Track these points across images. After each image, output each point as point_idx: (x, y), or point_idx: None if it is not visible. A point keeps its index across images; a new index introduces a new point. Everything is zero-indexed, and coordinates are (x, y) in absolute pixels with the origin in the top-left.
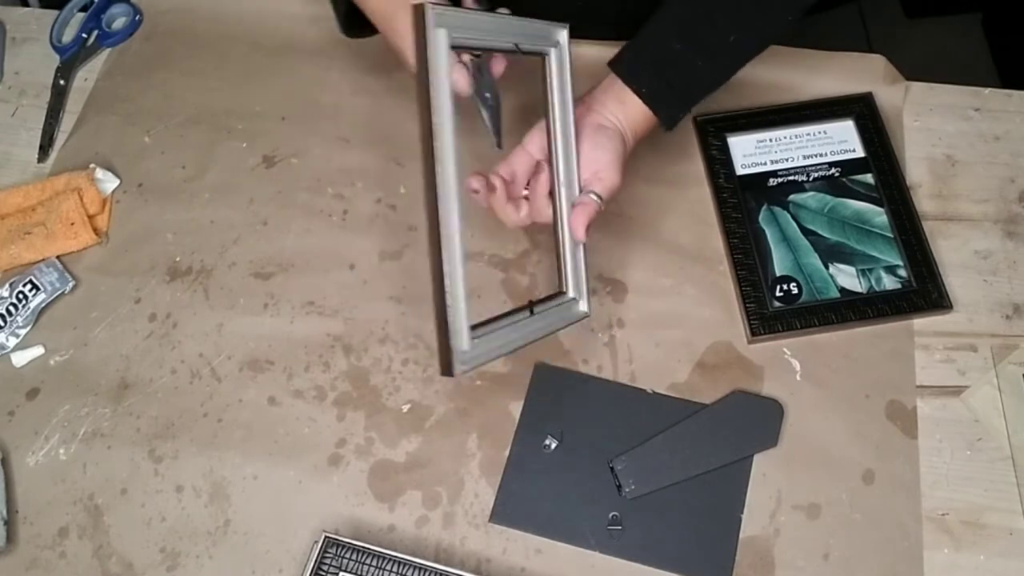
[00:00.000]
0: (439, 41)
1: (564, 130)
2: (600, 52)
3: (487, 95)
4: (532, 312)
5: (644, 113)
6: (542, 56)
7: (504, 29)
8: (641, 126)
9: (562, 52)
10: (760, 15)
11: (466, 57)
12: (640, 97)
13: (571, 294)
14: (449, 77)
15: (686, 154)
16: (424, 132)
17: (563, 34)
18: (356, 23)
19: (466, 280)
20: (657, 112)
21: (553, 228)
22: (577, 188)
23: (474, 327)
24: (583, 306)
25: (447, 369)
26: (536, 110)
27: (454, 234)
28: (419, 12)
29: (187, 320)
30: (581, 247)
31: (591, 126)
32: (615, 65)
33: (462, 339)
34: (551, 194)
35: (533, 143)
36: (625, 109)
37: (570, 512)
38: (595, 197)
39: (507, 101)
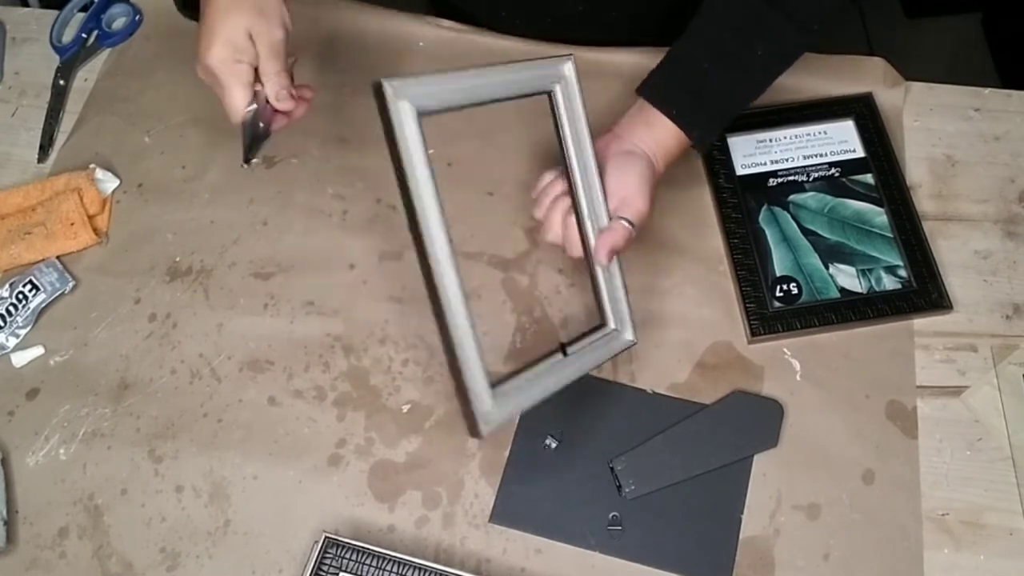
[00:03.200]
0: (404, 115)
1: (582, 163)
2: (600, 57)
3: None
4: (565, 353)
5: (675, 135)
6: (547, 94)
7: (490, 82)
8: (673, 149)
9: (568, 85)
10: (788, 28)
11: (259, 87)
12: (671, 119)
13: (612, 325)
14: (422, 147)
15: (686, 154)
16: (408, 212)
17: (567, 67)
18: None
19: (478, 339)
20: (690, 133)
21: (586, 261)
22: (605, 216)
23: (499, 382)
24: (628, 335)
25: (474, 431)
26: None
27: (455, 299)
28: (377, 89)
29: (187, 320)
30: (618, 275)
31: (617, 153)
32: (643, 89)
33: (483, 401)
34: (579, 228)
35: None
36: (653, 133)
37: (570, 512)
38: (625, 223)
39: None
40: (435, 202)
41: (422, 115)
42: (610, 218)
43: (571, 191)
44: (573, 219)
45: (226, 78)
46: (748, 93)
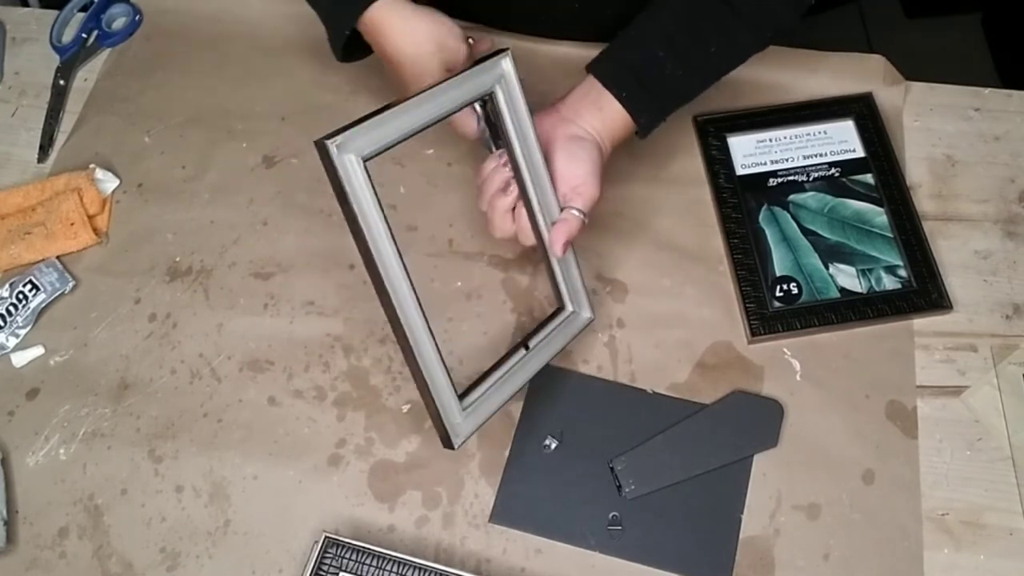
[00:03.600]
0: (351, 168)
1: (529, 160)
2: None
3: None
4: (528, 348)
5: (623, 119)
6: (488, 95)
7: (433, 104)
8: (619, 132)
9: (508, 82)
10: (742, 29)
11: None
12: (620, 101)
13: (570, 308)
14: (373, 196)
15: (686, 154)
16: (365, 258)
17: (505, 63)
18: (352, 46)
19: (443, 361)
20: (636, 118)
21: (539, 249)
22: (556, 206)
23: (466, 392)
24: (586, 313)
25: (447, 444)
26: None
27: (415, 325)
28: (321, 148)
29: (187, 320)
30: (571, 258)
31: (564, 138)
32: (595, 67)
33: (453, 414)
34: (531, 219)
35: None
36: (602, 116)
37: (570, 512)
38: (576, 212)
39: None
40: (390, 244)
41: (367, 160)
42: (560, 207)
43: (520, 187)
44: (522, 209)
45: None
46: (697, 87)
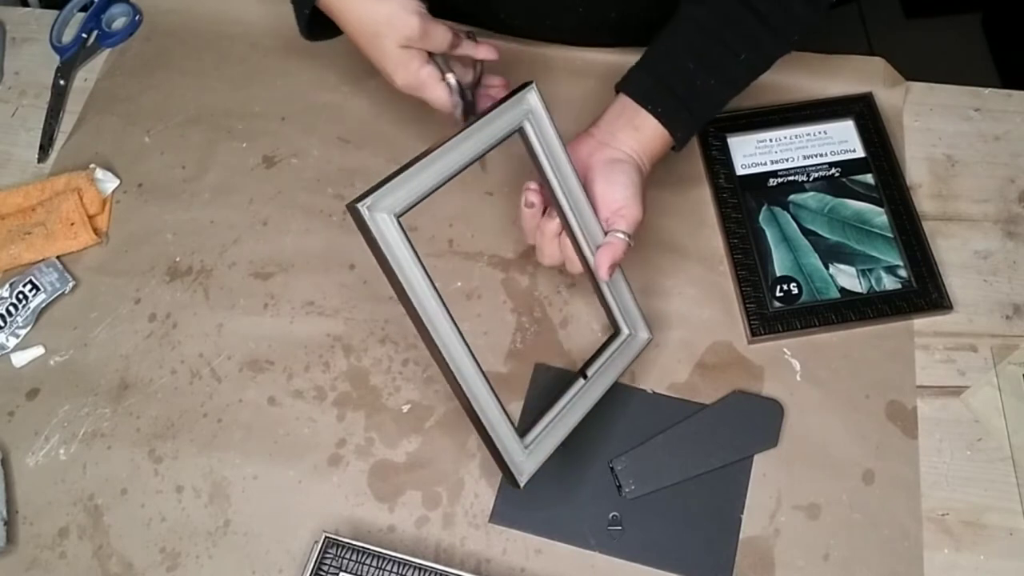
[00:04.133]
0: (384, 227)
1: (566, 188)
2: (598, 57)
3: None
4: (586, 377)
5: (659, 135)
6: (519, 131)
7: (461, 151)
8: (657, 149)
9: (536, 116)
10: (768, 34)
11: (450, 77)
12: (656, 117)
13: (626, 331)
14: (411, 251)
15: (686, 154)
16: (409, 312)
17: (530, 97)
18: (318, 26)
19: (499, 404)
20: (673, 132)
21: (588, 277)
22: (600, 231)
23: (526, 430)
24: (644, 334)
25: (513, 484)
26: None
27: (471, 378)
28: (353, 211)
29: (187, 320)
30: (621, 280)
31: (603, 163)
32: (625, 86)
33: (516, 454)
34: (576, 248)
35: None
36: (639, 135)
37: (570, 512)
38: (621, 236)
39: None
40: (433, 297)
41: (400, 216)
42: (604, 231)
43: (561, 216)
44: (567, 238)
45: (421, 92)
46: (728, 95)
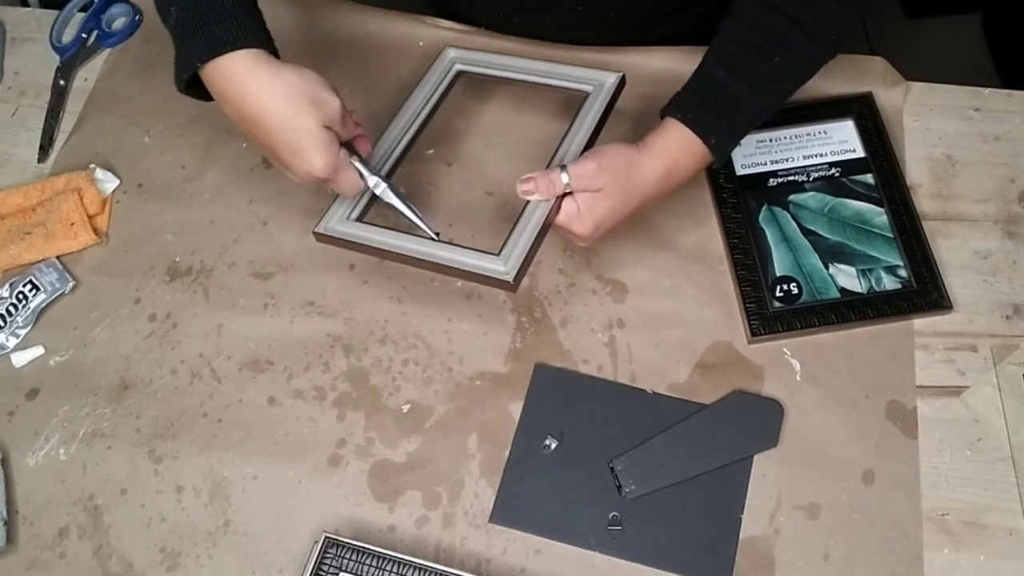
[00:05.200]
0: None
1: (570, 147)
2: (599, 57)
3: (399, 189)
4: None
5: (692, 142)
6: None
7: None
8: (690, 156)
9: (604, 93)
10: (804, 38)
11: (355, 159)
12: (686, 124)
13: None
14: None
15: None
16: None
17: (611, 80)
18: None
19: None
20: (706, 139)
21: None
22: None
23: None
24: (500, 266)
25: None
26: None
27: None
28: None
29: (187, 320)
30: (537, 218)
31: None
32: (663, 108)
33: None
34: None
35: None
36: (667, 138)
37: (570, 512)
38: (559, 169)
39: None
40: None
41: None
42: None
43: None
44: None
45: (335, 175)
46: (768, 102)
